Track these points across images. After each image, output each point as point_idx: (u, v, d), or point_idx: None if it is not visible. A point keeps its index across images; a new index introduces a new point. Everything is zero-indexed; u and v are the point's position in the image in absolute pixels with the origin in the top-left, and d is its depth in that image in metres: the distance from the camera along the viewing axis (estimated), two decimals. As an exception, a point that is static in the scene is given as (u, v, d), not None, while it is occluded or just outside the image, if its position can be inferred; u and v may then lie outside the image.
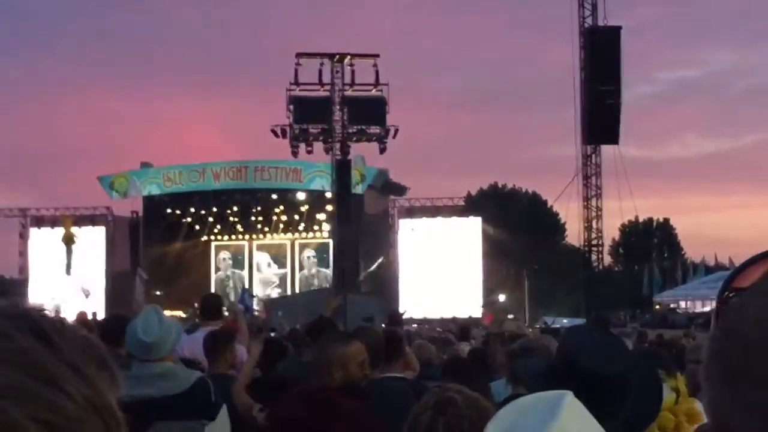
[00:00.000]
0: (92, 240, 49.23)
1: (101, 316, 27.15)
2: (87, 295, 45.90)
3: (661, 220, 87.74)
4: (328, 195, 42.73)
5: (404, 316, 23.42)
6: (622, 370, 2.51)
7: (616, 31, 33.81)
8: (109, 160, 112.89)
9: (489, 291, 48.20)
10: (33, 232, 50.12)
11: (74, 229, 47.75)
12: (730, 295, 1.06)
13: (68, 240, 46.84)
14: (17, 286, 50.60)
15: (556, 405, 1.50)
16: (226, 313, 10.84)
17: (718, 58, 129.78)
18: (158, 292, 48.64)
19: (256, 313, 35.74)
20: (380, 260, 48.55)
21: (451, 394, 3.18)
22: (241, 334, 8.52)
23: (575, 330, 2.72)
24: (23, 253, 50.49)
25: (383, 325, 13.56)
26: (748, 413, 0.91)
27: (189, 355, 7.29)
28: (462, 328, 16.79)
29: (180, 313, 38.07)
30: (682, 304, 58.51)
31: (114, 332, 5.89)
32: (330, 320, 9.39)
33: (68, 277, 46.68)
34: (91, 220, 50.27)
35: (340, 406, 5.00)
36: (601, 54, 33.11)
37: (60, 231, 47.78)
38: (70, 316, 34.06)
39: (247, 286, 47.37)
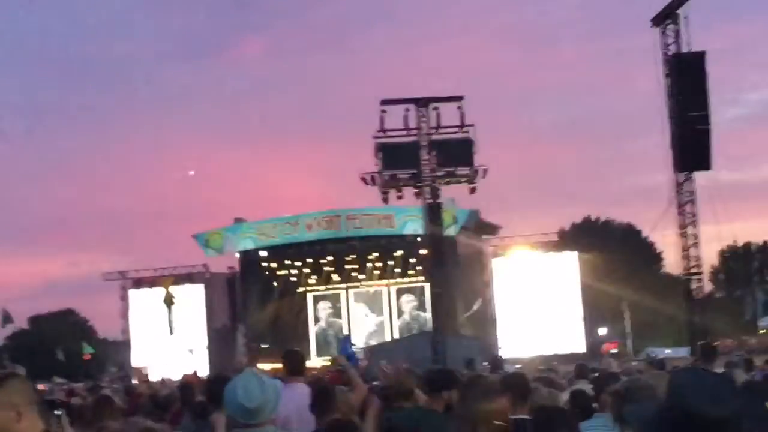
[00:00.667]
0: (192, 298, 49.89)
1: (204, 373, 27.46)
2: (192, 353, 46.44)
3: (760, 243, 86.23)
4: (421, 239, 42.76)
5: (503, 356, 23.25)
6: (733, 411, 2.49)
7: (700, 56, 33.55)
8: (203, 217, 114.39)
9: (591, 325, 47.73)
10: (132, 293, 50.92)
11: (173, 288, 48.46)
12: None
13: (168, 300, 47.59)
14: (120, 348, 51.48)
15: None
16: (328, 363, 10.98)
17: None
18: (263, 345, 49.05)
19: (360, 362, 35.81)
20: (478, 301, 48.38)
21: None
22: (356, 386, 8.58)
23: (682, 373, 2.70)
24: (125, 315, 51.29)
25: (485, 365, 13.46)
26: None
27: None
28: (579, 365, 16.51)
29: (281, 366, 38.19)
30: (789, 327, 57.42)
31: (219, 393, 5.95)
32: (451, 371, 9.26)
33: (171, 337, 47.35)
34: (189, 278, 50.96)
35: None
36: (687, 80, 32.88)
37: (160, 291, 48.50)
38: (175, 375, 34.57)
39: (345, 333, 47.48)
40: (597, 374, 13.19)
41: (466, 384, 6.88)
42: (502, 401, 5.33)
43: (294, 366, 9.46)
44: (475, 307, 48.35)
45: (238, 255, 52.24)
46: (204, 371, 36.49)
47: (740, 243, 78.93)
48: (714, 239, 45.34)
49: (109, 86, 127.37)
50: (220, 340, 49.97)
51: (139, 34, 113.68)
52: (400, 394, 7.58)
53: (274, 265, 52.43)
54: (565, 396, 9.70)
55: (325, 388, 7.73)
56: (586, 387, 9.92)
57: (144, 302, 49.75)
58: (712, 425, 2.45)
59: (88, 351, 57.97)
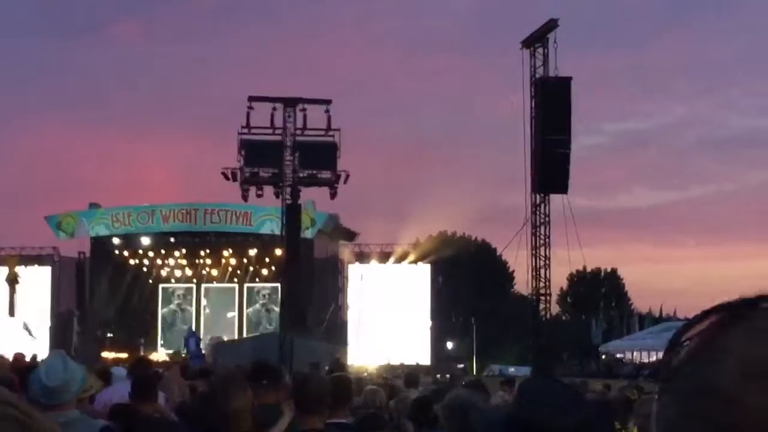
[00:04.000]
0: (37, 280, 48.74)
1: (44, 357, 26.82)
2: (30, 334, 45.40)
3: (609, 270, 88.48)
4: (278, 239, 42.62)
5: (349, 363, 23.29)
6: (577, 421, 2.48)
7: (566, 81, 34.13)
8: (57, 200, 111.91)
9: (438, 338, 48.22)
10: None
11: (19, 269, 47.24)
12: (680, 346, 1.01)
13: (11, 280, 46.33)
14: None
15: None
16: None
17: (666, 109, 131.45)
18: (109, 333, 48.24)
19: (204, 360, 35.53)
20: (332, 307, 48.39)
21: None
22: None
23: (531, 382, 2.69)
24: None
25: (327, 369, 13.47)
26: None
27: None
28: (408, 374, 16.71)
29: (124, 355, 37.62)
30: (628, 354, 58.89)
31: (23, 374, 5.78)
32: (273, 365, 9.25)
33: (11, 318, 46.16)
34: (37, 260, 49.78)
35: None
36: (552, 104, 33.40)
37: (3, 270, 47.27)
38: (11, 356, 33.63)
39: (194, 329, 47.04)
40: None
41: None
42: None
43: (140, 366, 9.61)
44: (328, 315, 48.32)
45: (90, 240, 51.28)
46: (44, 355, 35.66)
47: (590, 269, 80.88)
48: (565, 264, 46.13)
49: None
50: (63, 325, 48.89)
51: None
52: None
53: (126, 253, 51.61)
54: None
55: (148, 375, 7.74)
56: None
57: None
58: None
59: None
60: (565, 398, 2.55)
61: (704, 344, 0.97)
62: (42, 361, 4.99)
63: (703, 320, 0.99)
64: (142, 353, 38.88)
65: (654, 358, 51.79)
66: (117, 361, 28.01)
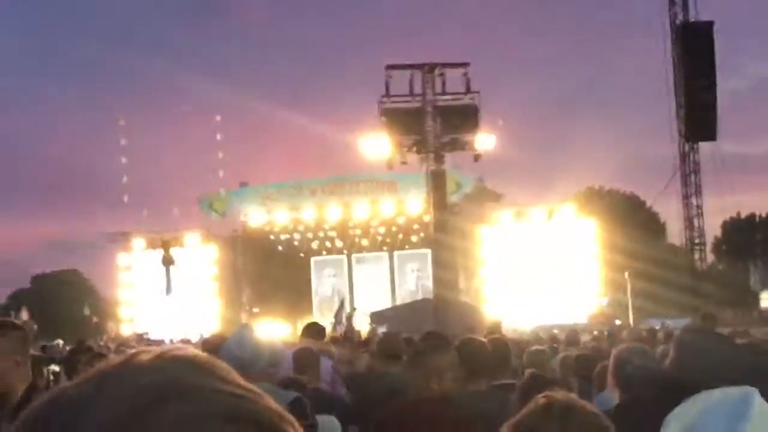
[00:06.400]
0: (194, 261, 49.79)
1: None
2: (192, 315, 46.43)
3: (763, 215, 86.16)
4: (425, 206, 42.69)
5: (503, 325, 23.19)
6: (741, 378, 2.43)
7: (708, 26, 33.32)
8: (208, 180, 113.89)
9: (592, 295, 47.73)
10: (135, 255, 50.79)
11: (175, 250, 48.34)
12: None
13: (168, 262, 47.44)
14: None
15: (745, 403, 1.36)
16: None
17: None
18: (255, 309, 49.12)
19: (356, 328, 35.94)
20: (478, 272, 48.28)
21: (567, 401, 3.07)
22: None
23: (689, 337, 2.63)
24: (126, 277, 51.20)
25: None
26: None
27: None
28: (570, 333, 16.63)
29: (284, 330, 38.25)
30: (791, 300, 57.46)
31: (213, 351, 5.93)
32: (444, 335, 9.37)
33: (170, 299, 47.23)
34: (192, 241, 50.80)
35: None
36: (695, 50, 32.65)
37: (159, 253, 48.37)
38: (175, 336, 34.55)
39: (347, 300, 47.56)
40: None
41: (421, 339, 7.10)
42: (451, 355, 5.34)
43: (311, 333, 9.79)
44: (476, 278, 48.23)
45: (241, 219, 52.23)
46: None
47: (744, 215, 78.99)
48: (718, 211, 45.27)
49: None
50: (224, 303, 49.92)
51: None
52: (390, 357, 7.97)
53: (276, 229, 52.40)
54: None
55: (309, 350, 7.92)
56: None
57: (146, 264, 49.57)
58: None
59: (85, 312, 58.36)
60: (725, 353, 2.51)
61: None
62: (231, 335, 5.14)
63: None
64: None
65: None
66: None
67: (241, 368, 4.60)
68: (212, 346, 6.38)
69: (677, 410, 1.40)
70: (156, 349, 1.03)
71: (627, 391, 4.59)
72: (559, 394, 3.07)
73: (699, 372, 2.42)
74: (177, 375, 0.96)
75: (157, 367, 0.97)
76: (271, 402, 1.04)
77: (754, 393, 1.42)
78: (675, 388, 2.42)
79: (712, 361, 2.45)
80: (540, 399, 3.04)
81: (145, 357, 0.99)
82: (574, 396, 3.13)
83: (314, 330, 10.01)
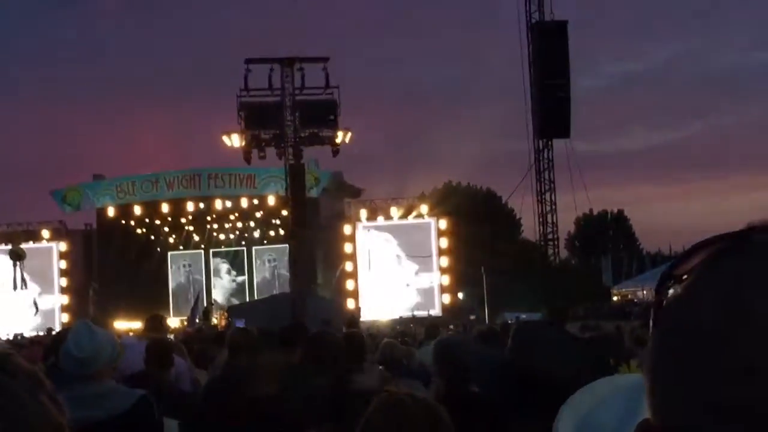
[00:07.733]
0: (46, 255, 48.74)
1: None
2: (37, 311, 45.36)
3: (615, 211, 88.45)
4: (283, 200, 42.56)
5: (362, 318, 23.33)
6: (574, 368, 2.48)
7: (562, 25, 33.97)
8: (62, 173, 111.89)
9: (446, 290, 48.27)
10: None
11: (27, 245, 47.15)
12: (670, 284, 0.98)
13: (16, 256, 46.17)
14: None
15: (640, 392, 1.33)
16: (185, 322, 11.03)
17: (660, 48, 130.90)
18: (108, 305, 48.34)
19: (214, 322, 35.65)
20: (341, 266, 48.38)
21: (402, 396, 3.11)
22: None
23: (526, 328, 2.68)
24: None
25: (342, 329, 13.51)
26: (711, 414, 0.86)
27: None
28: (430, 326, 16.76)
29: (138, 325, 37.69)
30: (640, 294, 58.90)
31: (55, 349, 5.78)
32: (303, 325, 9.36)
33: (20, 293, 46.06)
34: (44, 234, 49.73)
35: None
36: (549, 49, 33.26)
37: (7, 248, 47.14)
38: (25, 332, 33.68)
39: (203, 294, 47.25)
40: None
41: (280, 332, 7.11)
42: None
43: (153, 325, 9.81)
44: (337, 274, 48.32)
45: (96, 212, 51.31)
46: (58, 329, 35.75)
47: (596, 212, 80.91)
48: (571, 208, 46.19)
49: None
50: (74, 299, 48.98)
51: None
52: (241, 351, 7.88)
53: (132, 222, 51.61)
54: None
55: (163, 341, 7.83)
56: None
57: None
58: (552, 382, 2.43)
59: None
60: (558, 345, 2.55)
61: (690, 284, 0.94)
62: (70, 333, 4.99)
63: (691, 257, 0.96)
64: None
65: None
66: (128, 332, 28.13)
67: (81, 366, 4.48)
68: (55, 343, 6.22)
69: (571, 398, 1.39)
70: None
71: (452, 379, 4.61)
72: (396, 390, 3.12)
73: (532, 359, 2.46)
74: None
75: None
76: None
77: None
78: (509, 373, 2.46)
79: (544, 349, 2.49)
80: (382, 395, 3.09)
81: None
82: (412, 390, 3.18)
83: (156, 322, 10.04)
